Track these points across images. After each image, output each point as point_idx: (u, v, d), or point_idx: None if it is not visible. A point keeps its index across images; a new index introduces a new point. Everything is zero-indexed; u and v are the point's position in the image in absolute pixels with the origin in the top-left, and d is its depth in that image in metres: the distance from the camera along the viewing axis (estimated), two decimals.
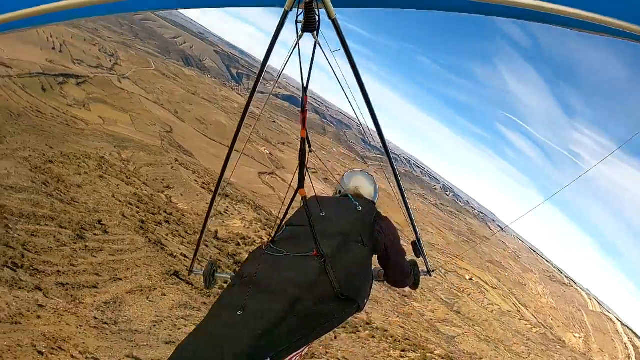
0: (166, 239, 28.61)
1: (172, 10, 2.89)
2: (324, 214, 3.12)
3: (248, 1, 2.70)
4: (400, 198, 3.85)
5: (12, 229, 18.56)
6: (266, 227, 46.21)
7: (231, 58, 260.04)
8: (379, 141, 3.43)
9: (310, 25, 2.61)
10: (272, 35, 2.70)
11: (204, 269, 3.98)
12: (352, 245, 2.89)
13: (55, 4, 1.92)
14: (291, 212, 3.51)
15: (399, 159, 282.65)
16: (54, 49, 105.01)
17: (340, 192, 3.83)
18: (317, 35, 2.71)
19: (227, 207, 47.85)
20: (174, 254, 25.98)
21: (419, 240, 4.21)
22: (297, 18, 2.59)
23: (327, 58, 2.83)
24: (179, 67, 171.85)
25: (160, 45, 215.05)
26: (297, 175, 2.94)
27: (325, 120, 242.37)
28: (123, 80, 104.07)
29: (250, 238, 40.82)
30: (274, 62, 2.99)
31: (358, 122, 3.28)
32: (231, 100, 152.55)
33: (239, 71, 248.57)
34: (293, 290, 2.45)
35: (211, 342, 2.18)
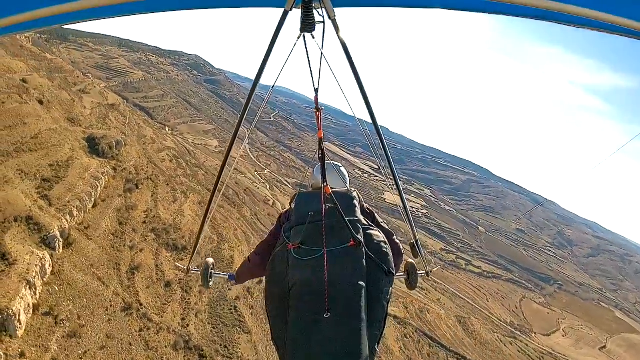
0: None
1: (174, 11, 2.79)
2: (327, 207, 3.18)
3: (248, 1, 2.67)
4: (400, 201, 3.94)
5: None
6: None
7: None
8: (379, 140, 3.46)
9: (310, 26, 2.63)
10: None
11: (201, 268, 4.13)
12: (370, 230, 3.14)
13: (66, 5, 2.01)
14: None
15: None
16: None
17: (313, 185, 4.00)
18: (323, 35, 2.78)
19: None
20: None
21: (417, 241, 4.30)
22: (301, 19, 2.60)
23: (325, 58, 2.91)
24: None
25: None
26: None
27: None
28: None
29: None
30: (275, 62, 3.02)
31: (357, 122, 3.52)
32: None
33: None
34: (357, 282, 2.67)
35: (322, 352, 2.42)
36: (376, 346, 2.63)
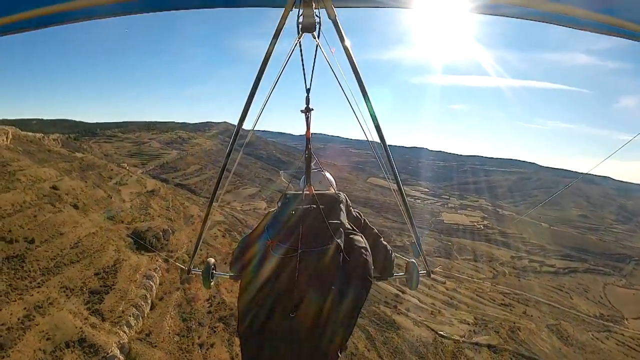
0: None
1: (174, 10, 2.83)
2: (312, 207, 3.12)
3: (248, 1, 2.71)
4: (400, 200, 3.83)
5: None
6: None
7: None
8: (379, 140, 3.39)
9: (310, 25, 2.66)
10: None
11: (202, 268, 4.08)
12: (353, 235, 3.02)
13: (66, 4, 2.20)
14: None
15: None
16: None
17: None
18: (318, 35, 2.77)
19: None
20: None
21: (417, 241, 4.17)
22: (298, 19, 2.64)
23: (326, 58, 2.92)
24: None
25: None
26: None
27: None
28: None
29: None
30: (275, 61, 3.05)
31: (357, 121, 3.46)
32: None
33: None
34: (329, 284, 2.59)
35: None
36: (340, 352, 2.62)
